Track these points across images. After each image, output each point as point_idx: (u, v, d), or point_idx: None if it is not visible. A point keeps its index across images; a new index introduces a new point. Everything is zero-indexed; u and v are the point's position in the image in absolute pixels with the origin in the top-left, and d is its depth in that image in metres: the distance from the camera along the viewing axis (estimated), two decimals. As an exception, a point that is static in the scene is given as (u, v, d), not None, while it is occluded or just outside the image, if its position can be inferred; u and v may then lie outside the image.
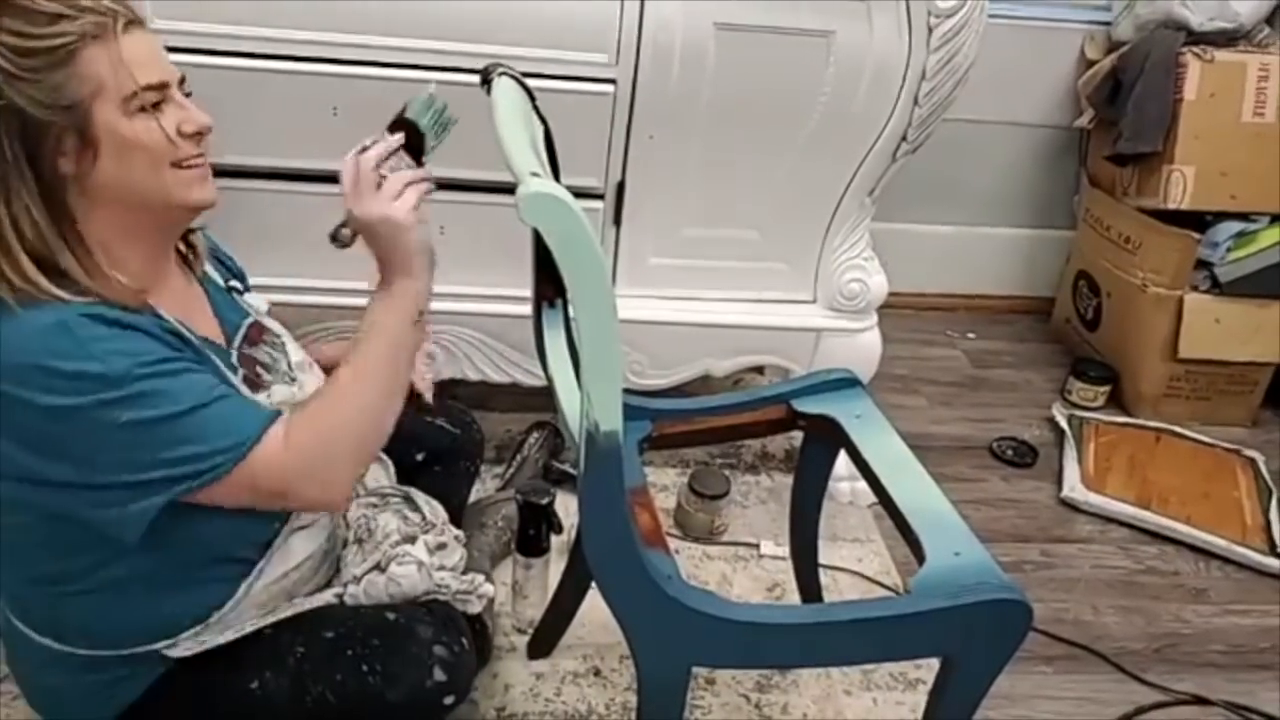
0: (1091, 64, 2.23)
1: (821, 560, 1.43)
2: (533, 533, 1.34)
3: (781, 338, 1.62)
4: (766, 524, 1.67)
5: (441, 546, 1.14)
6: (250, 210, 1.39)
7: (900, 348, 2.22)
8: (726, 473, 1.69)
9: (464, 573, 1.16)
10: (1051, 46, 2.28)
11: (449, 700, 1.01)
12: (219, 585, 1.00)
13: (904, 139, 1.47)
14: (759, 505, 1.73)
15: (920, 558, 1.00)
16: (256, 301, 1.15)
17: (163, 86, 0.90)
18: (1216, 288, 2.03)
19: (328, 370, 1.23)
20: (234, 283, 1.14)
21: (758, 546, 1.62)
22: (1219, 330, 2.04)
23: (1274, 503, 1.84)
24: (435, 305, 1.50)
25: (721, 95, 1.41)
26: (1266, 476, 1.92)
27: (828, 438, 1.22)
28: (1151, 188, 2.04)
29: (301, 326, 1.40)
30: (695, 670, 1.20)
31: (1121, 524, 1.78)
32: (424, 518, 1.18)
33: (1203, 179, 1.99)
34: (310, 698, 1.01)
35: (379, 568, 1.10)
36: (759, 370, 1.96)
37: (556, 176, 0.98)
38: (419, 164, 0.97)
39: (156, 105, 0.89)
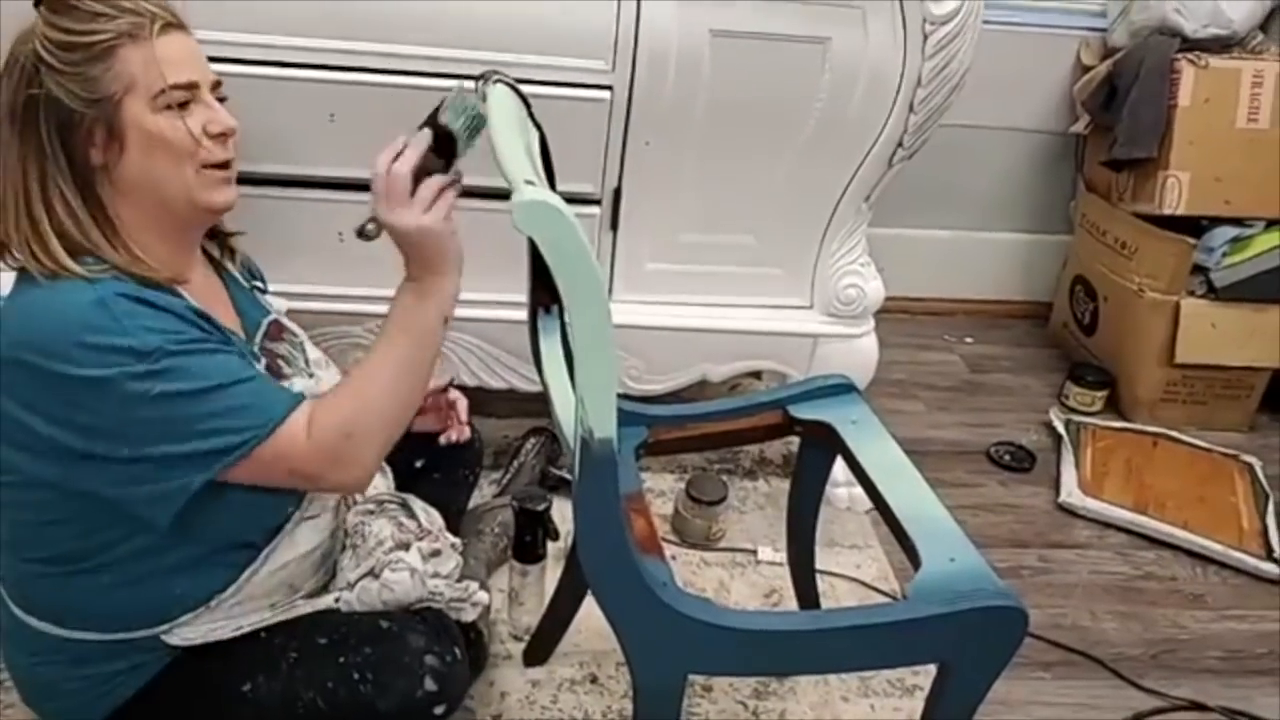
0: (1087, 70, 2.23)
1: (819, 566, 1.43)
2: (529, 539, 1.34)
3: (778, 343, 1.62)
4: (764, 530, 1.67)
5: (436, 553, 1.14)
6: (248, 216, 1.39)
7: (898, 352, 2.22)
8: (724, 478, 1.69)
9: (459, 580, 1.16)
10: (1047, 52, 2.29)
11: (440, 710, 1.02)
12: (225, 569, 1.01)
13: (900, 145, 1.47)
14: (756, 511, 1.72)
15: (916, 564, 1.00)
16: (276, 303, 1.18)
17: (191, 87, 0.94)
18: (1212, 293, 2.03)
19: None
20: (256, 284, 1.18)
21: (755, 552, 1.62)
22: (1215, 335, 2.04)
23: (1271, 507, 1.84)
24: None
25: (717, 101, 1.41)
26: (1263, 481, 1.92)
27: (824, 444, 1.22)
28: (1147, 193, 2.04)
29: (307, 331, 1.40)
30: (692, 677, 1.20)
31: (1119, 529, 1.78)
32: (419, 524, 1.18)
33: (1198, 184, 1.99)
34: (301, 704, 1.01)
35: (373, 574, 1.10)
36: (756, 375, 1.96)
37: (552, 183, 0.98)
38: (449, 166, 0.97)
39: (184, 105, 0.93)
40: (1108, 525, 1.79)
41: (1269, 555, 1.72)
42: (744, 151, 1.47)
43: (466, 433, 1.29)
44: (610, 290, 1.58)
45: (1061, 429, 2.02)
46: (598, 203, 1.50)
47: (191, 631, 1.01)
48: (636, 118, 1.42)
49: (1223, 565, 1.71)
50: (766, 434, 1.27)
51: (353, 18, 1.32)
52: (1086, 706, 1.42)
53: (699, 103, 1.41)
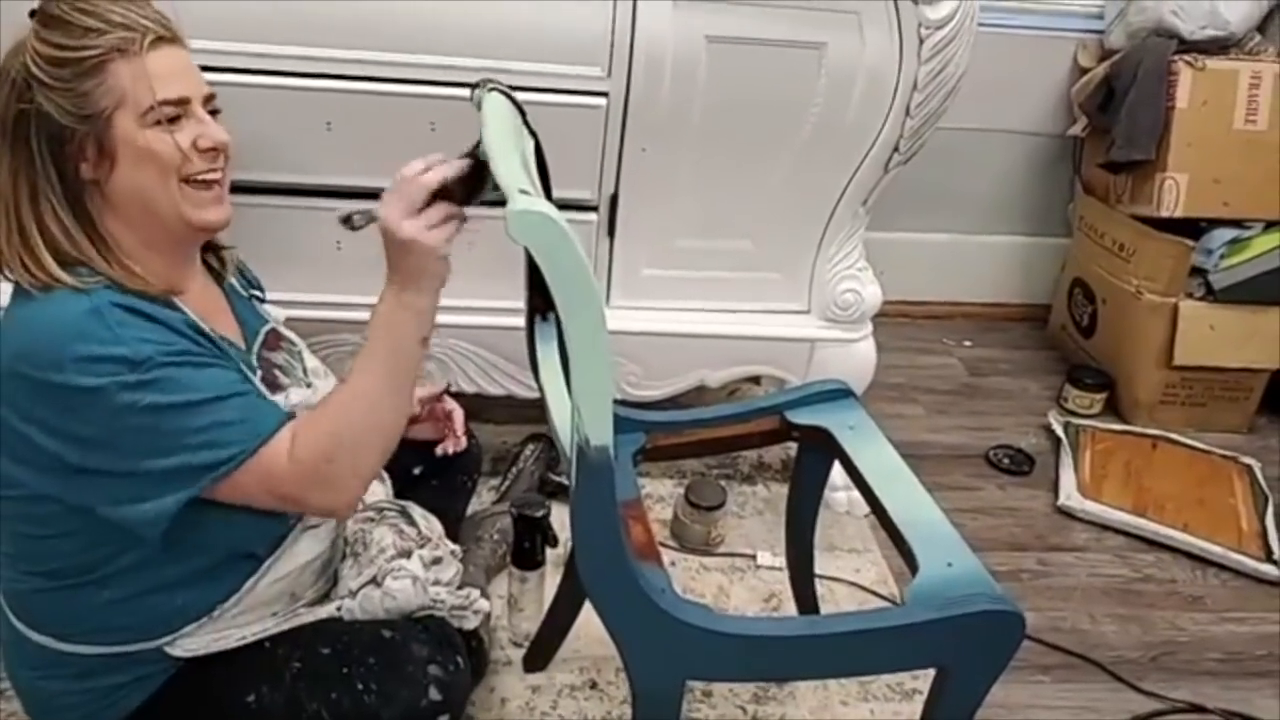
0: (1085, 72, 2.24)
1: (818, 570, 1.43)
2: (528, 546, 1.34)
3: (776, 348, 1.63)
4: (763, 534, 1.67)
5: (437, 561, 1.15)
6: (245, 224, 1.40)
7: (896, 356, 2.22)
8: (723, 483, 1.69)
9: (460, 587, 1.16)
10: (1045, 55, 2.29)
11: (443, 719, 1.02)
12: (228, 580, 1.01)
13: (896, 150, 1.47)
14: (755, 516, 1.73)
15: (913, 569, 1.00)
16: (274, 312, 1.18)
17: (182, 102, 0.93)
18: (1211, 294, 2.03)
19: None
20: (254, 292, 1.18)
21: (754, 557, 1.62)
22: (1214, 337, 2.04)
23: (1270, 509, 1.84)
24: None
25: (714, 107, 1.42)
26: (1262, 483, 1.92)
27: (822, 449, 1.22)
28: (1145, 195, 2.05)
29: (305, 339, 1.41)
30: (691, 682, 1.20)
31: (1118, 531, 1.78)
32: (420, 532, 1.18)
33: (1196, 186, 1.99)
34: (305, 714, 1.01)
35: (374, 582, 1.11)
36: (755, 380, 1.97)
37: (547, 190, 0.98)
38: (466, 202, 0.94)
39: (175, 119, 0.92)
40: (1107, 528, 1.79)
41: (1268, 557, 1.72)
42: (740, 157, 1.47)
43: (463, 444, 1.29)
44: (608, 296, 1.58)
45: (1060, 432, 2.02)
46: (595, 209, 1.50)
47: (194, 642, 1.02)
48: (633, 124, 1.42)
49: (1222, 567, 1.71)
50: (764, 439, 1.27)
51: (349, 26, 1.33)
52: (1086, 710, 1.41)
53: (695, 109, 1.42)
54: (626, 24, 1.35)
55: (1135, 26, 2.10)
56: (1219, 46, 2.03)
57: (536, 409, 1.14)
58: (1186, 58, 1.98)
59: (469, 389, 1.61)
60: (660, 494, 1.74)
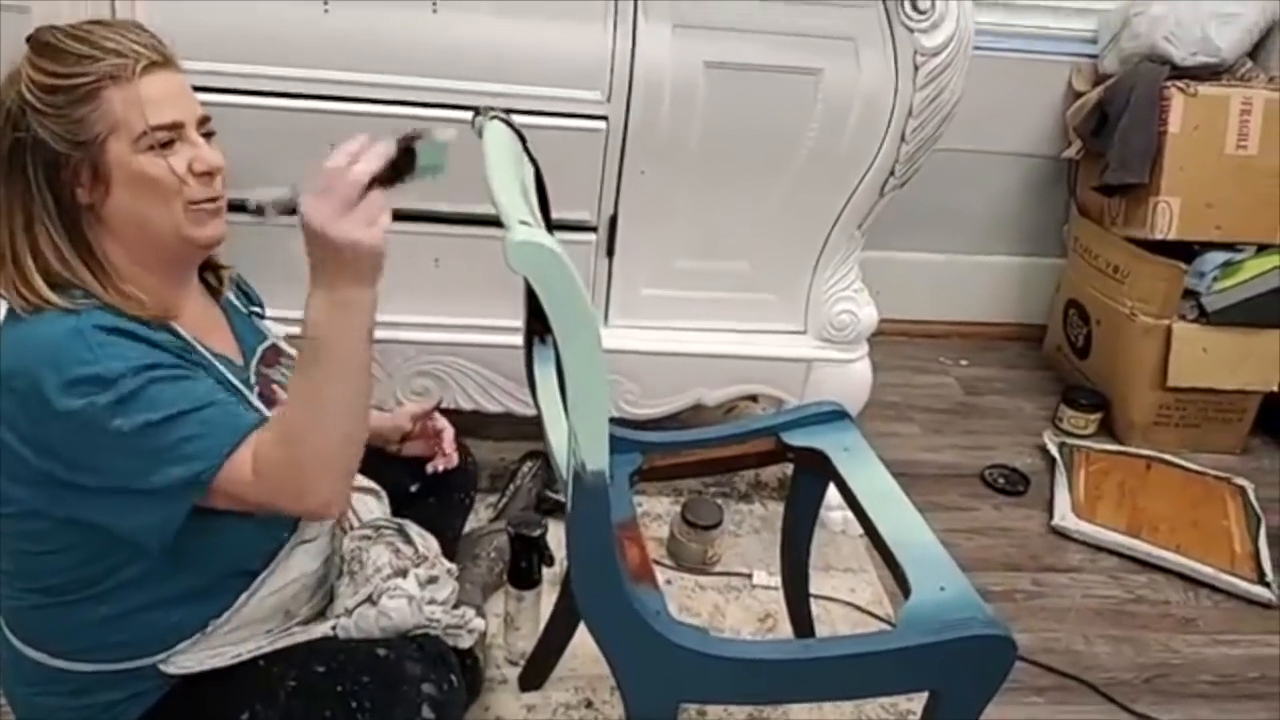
0: (1079, 95, 2.26)
1: (813, 590, 1.44)
2: (525, 565, 1.35)
3: (773, 368, 1.64)
4: (759, 553, 1.68)
5: (433, 580, 1.15)
6: (246, 243, 1.41)
7: (893, 375, 2.23)
8: (719, 501, 1.70)
9: (455, 606, 1.17)
10: (1040, 78, 2.31)
11: (438, 737, 1.02)
12: (222, 596, 1.02)
13: (892, 174, 1.49)
14: (752, 534, 1.73)
15: (906, 592, 1.01)
16: (275, 328, 1.19)
17: (175, 126, 0.94)
18: (1204, 317, 2.05)
19: None
20: (254, 309, 1.19)
21: (750, 576, 1.62)
22: (1207, 359, 2.06)
23: (1263, 531, 1.85)
24: (431, 336, 1.56)
25: (712, 131, 1.44)
26: (1255, 505, 1.93)
27: (817, 470, 1.23)
28: (1139, 218, 2.07)
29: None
30: (686, 704, 1.21)
31: (1112, 552, 1.79)
32: (416, 550, 1.18)
33: (1188, 210, 2.01)
34: (300, 733, 1.01)
35: (370, 600, 1.11)
36: (752, 398, 1.98)
37: (547, 217, 1.00)
38: (395, 184, 0.88)
39: (169, 144, 0.93)
40: (1101, 548, 1.80)
41: (1260, 579, 1.73)
42: (738, 180, 1.49)
43: (454, 461, 1.29)
44: (606, 315, 1.60)
45: (1055, 452, 2.03)
46: (594, 230, 1.52)
47: (189, 660, 1.02)
48: (632, 147, 1.44)
49: (1215, 589, 1.72)
50: (760, 460, 1.29)
51: (351, 49, 1.34)
52: (1079, 731, 1.42)
53: (693, 133, 1.44)
54: (626, 50, 1.37)
55: (1128, 52, 2.12)
56: (1211, 73, 2.06)
57: (534, 426, 1.15)
58: (1179, 83, 2.01)
59: (467, 406, 1.62)
60: (657, 511, 1.75)
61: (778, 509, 1.64)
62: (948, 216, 2.43)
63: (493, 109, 0.97)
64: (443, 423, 1.33)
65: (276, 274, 1.37)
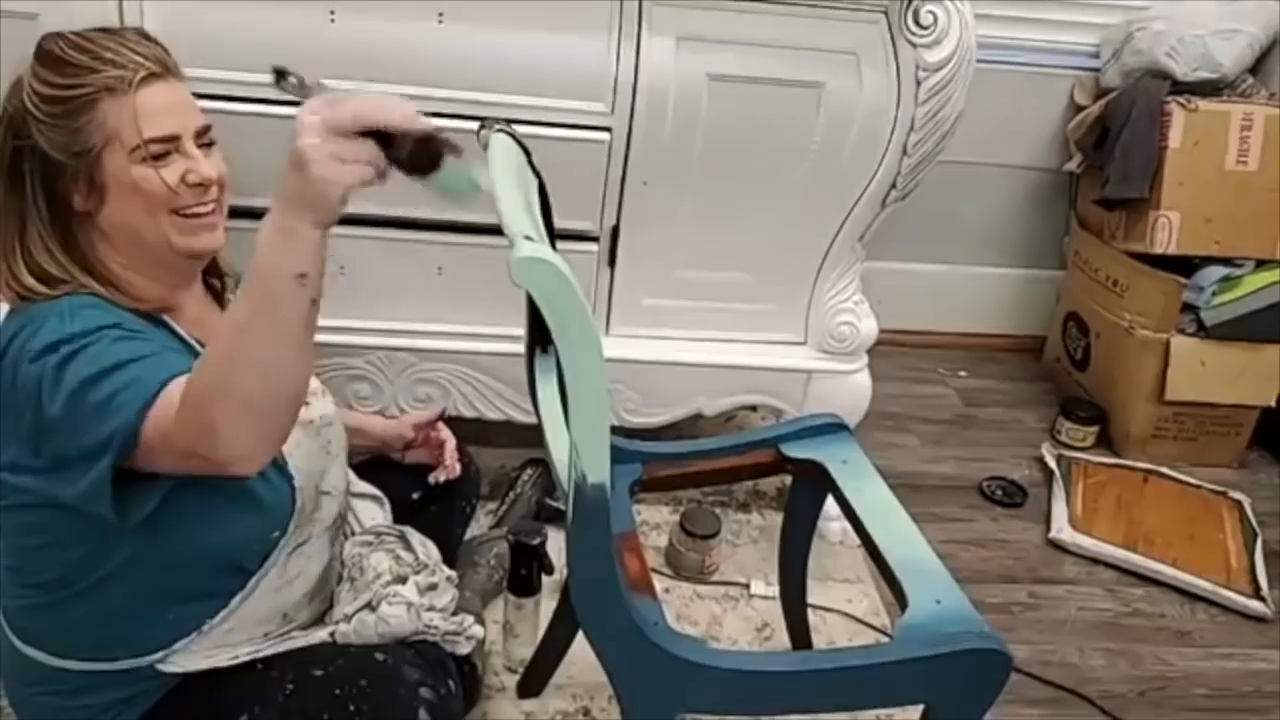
0: (1080, 109, 2.27)
1: (811, 600, 1.45)
2: (524, 573, 1.36)
3: (773, 378, 1.65)
4: (757, 563, 1.68)
5: (432, 587, 1.16)
6: (251, 249, 1.42)
7: (893, 385, 2.24)
8: (718, 511, 1.70)
9: (454, 613, 1.18)
10: (1042, 91, 2.32)
11: (435, 743, 1.03)
12: (217, 595, 1.03)
13: (893, 187, 1.50)
14: (750, 544, 1.74)
15: (903, 605, 1.02)
16: None
17: (170, 139, 0.95)
18: (1202, 331, 2.06)
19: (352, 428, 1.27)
20: None
21: (748, 586, 1.63)
22: (1205, 373, 2.07)
23: (1259, 545, 1.86)
24: (433, 344, 1.57)
25: (714, 143, 1.45)
26: (1252, 519, 1.94)
27: (816, 482, 1.24)
28: (1138, 232, 2.08)
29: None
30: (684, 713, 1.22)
31: (1108, 565, 1.80)
32: (416, 558, 1.19)
33: (1188, 224, 2.02)
34: (298, 735, 1.02)
35: (369, 607, 1.12)
36: (752, 408, 1.98)
37: (550, 231, 1.01)
38: (406, 166, 0.79)
39: (163, 156, 0.94)
40: (1097, 561, 1.81)
41: (1256, 593, 1.74)
42: (740, 192, 1.50)
43: (456, 471, 1.31)
44: (607, 325, 1.61)
45: (1053, 464, 2.04)
46: (596, 239, 1.53)
47: (186, 659, 1.03)
48: (635, 158, 1.45)
49: (1211, 603, 1.73)
50: (759, 472, 1.30)
51: (357, 58, 1.35)
52: (1074, 744, 1.43)
53: (696, 145, 1.45)
54: (630, 62, 1.38)
55: (1130, 66, 2.14)
56: (1212, 88, 2.07)
57: (535, 433, 1.15)
58: (1179, 99, 2.02)
59: (468, 414, 1.62)
60: (656, 521, 1.76)
61: (776, 519, 1.65)
62: (949, 227, 2.44)
63: (497, 122, 0.98)
64: (446, 433, 1.34)
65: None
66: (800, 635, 1.43)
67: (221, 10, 1.31)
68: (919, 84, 1.42)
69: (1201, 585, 1.74)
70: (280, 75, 0.81)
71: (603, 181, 1.47)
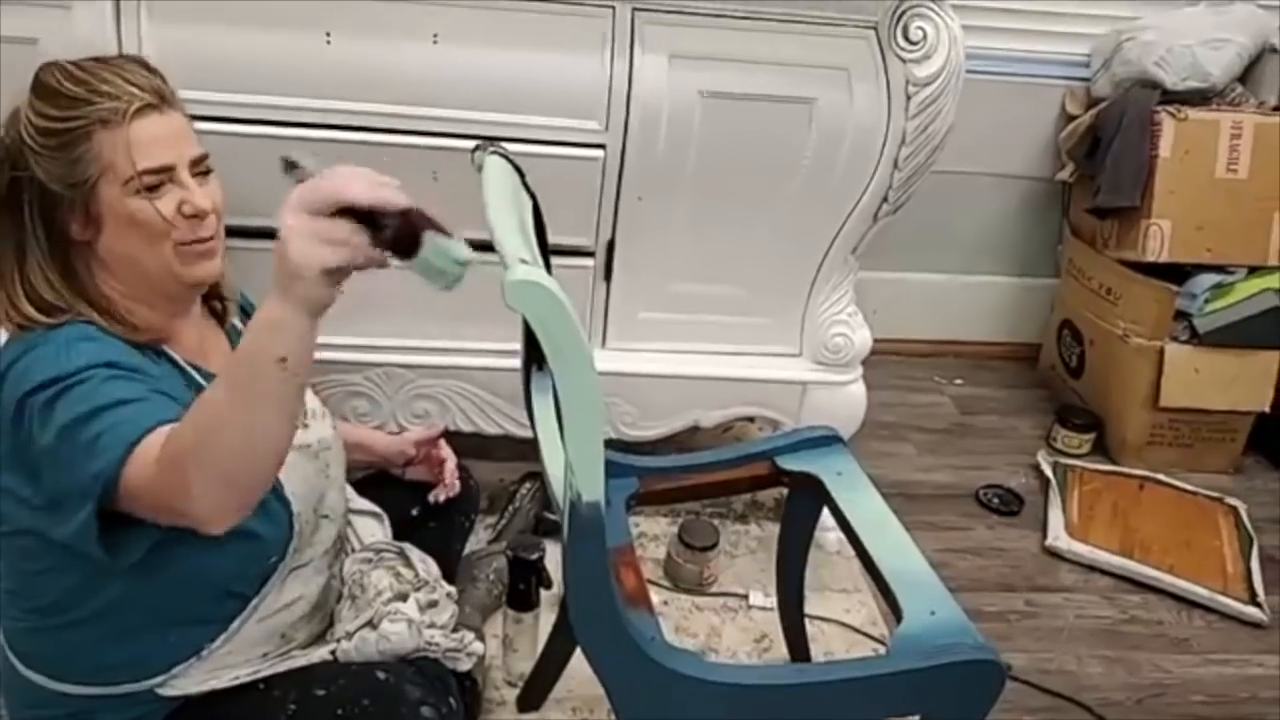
0: (1072, 119, 2.29)
1: (809, 611, 1.46)
2: (523, 588, 1.36)
3: (768, 390, 1.66)
4: (755, 574, 1.69)
5: (433, 604, 1.17)
6: (252, 267, 1.43)
7: (888, 394, 2.25)
8: (716, 522, 1.71)
9: (455, 629, 1.18)
10: (1033, 101, 2.34)
11: (437, 759, 1.03)
12: (215, 620, 1.03)
13: (885, 200, 1.51)
14: (748, 555, 1.75)
15: (898, 616, 1.03)
16: None
17: (164, 170, 0.96)
18: (1196, 338, 2.07)
19: (354, 444, 1.29)
20: None
21: (746, 597, 1.64)
22: (1199, 380, 2.08)
23: (1255, 551, 1.87)
24: (430, 359, 1.58)
25: (707, 159, 1.46)
26: (1248, 525, 1.95)
27: (811, 494, 1.25)
28: (1131, 240, 2.09)
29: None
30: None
31: (1105, 573, 1.81)
32: (417, 574, 1.20)
33: (1180, 232, 2.04)
34: (301, 755, 1.03)
35: (371, 624, 1.13)
36: (750, 418, 1.99)
37: (545, 251, 1.02)
38: (391, 247, 0.78)
39: (157, 187, 0.95)
40: (1094, 569, 1.81)
41: (1252, 599, 1.74)
42: (733, 206, 1.51)
43: (455, 490, 1.32)
44: (604, 338, 1.62)
45: (1049, 472, 2.05)
46: (592, 254, 1.54)
47: (187, 683, 1.03)
48: (629, 174, 1.46)
49: (1208, 609, 1.73)
50: (755, 485, 1.31)
51: (353, 80, 1.37)
52: (1072, 753, 1.44)
53: (689, 160, 1.46)
54: (624, 80, 1.40)
55: (1120, 76, 2.15)
56: (1201, 97, 2.09)
57: (532, 447, 1.17)
58: (1169, 108, 2.04)
59: (466, 428, 1.63)
60: (654, 532, 1.77)
61: (774, 529, 1.65)
62: (943, 237, 2.45)
63: (491, 144, 0.99)
64: (446, 452, 1.35)
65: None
66: (798, 646, 1.44)
67: (219, 33, 1.33)
68: (909, 99, 1.43)
69: (1198, 592, 1.75)
70: (290, 166, 0.82)
71: (598, 197, 1.48)
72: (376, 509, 1.32)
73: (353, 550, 1.24)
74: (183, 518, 0.85)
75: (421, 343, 1.56)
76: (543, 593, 1.40)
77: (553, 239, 1.09)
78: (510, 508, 1.70)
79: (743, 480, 1.28)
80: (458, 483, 1.34)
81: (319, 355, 1.52)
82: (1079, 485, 2.02)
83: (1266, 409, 2.11)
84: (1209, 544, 1.88)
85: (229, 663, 1.05)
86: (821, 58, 1.42)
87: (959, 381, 2.46)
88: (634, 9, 1.38)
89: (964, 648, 0.98)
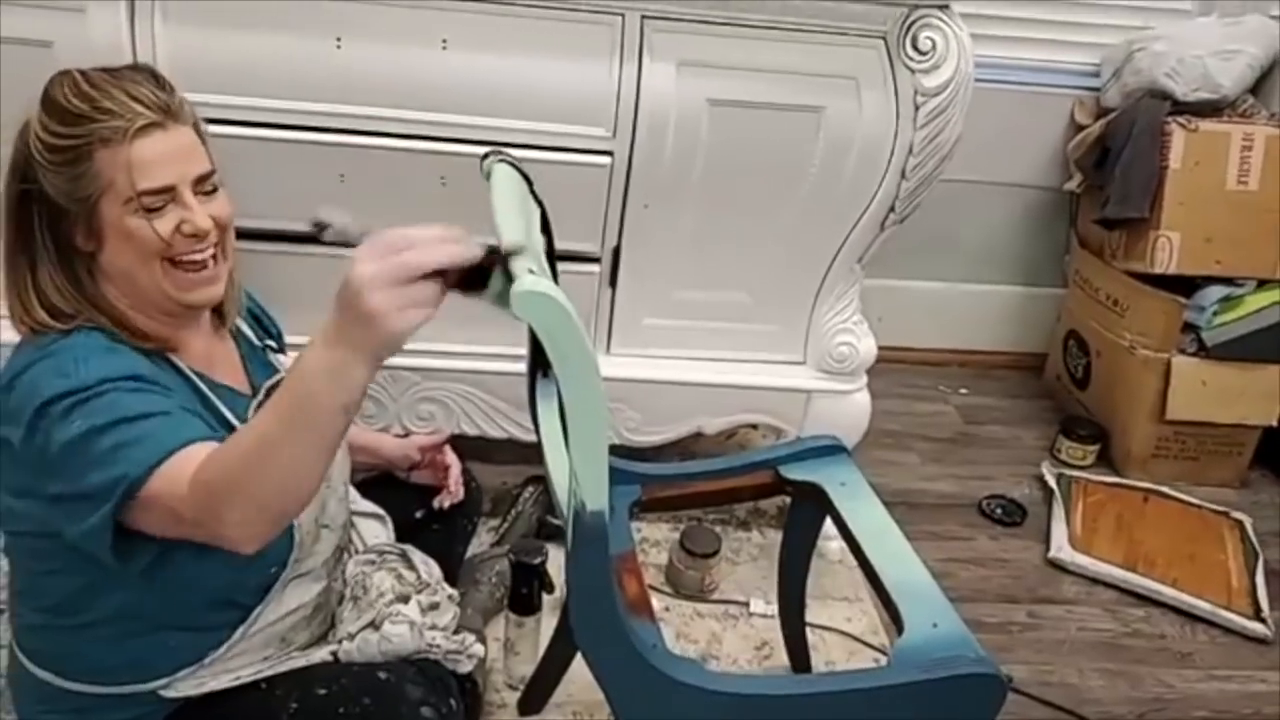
0: (1081, 129, 2.28)
1: (810, 619, 1.46)
2: (525, 592, 1.37)
3: (772, 398, 1.66)
4: (757, 581, 1.69)
5: (434, 606, 1.17)
6: (261, 271, 1.44)
7: (893, 402, 2.25)
8: (718, 529, 1.71)
9: (456, 631, 1.19)
10: (1043, 110, 2.34)
11: (437, 760, 1.04)
12: (217, 628, 1.04)
13: (892, 210, 1.51)
14: (750, 562, 1.75)
15: (900, 628, 1.03)
16: (288, 363, 1.19)
17: (165, 191, 0.95)
18: (1203, 351, 2.07)
19: (361, 446, 1.30)
20: (269, 342, 1.21)
21: (748, 604, 1.64)
22: (1206, 393, 2.07)
23: (1260, 566, 1.86)
24: (435, 363, 1.59)
25: (714, 167, 1.46)
26: (1253, 539, 1.94)
27: (814, 504, 1.25)
28: (1139, 252, 2.09)
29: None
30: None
31: (1108, 585, 1.80)
32: (419, 576, 1.21)
33: (1188, 244, 2.03)
34: (301, 754, 1.03)
35: (372, 625, 1.13)
36: (754, 425, 1.99)
37: (551, 258, 1.02)
38: (459, 288, 0.79)
39: (159, 208, 0.95)
40: (1097, 581, 1.81)
41: (1257, 614, 1.74)
42: (740, 214, 1.52)
43: (459, 495, 1.32)
44: (608, 344, 1.62)
45: (1053, 483, 2.04)
46: (598, 260, 1.54)
47: (189, 685, 1.05)
48: (636, 182, 1.47)
49: (1211, 624, 1.73)
50: (757, 493, 1.31)
51: (362, 84, 1.37)
52: (1072, 766, 1.43)
53: (697, 168, 1.46)
54: (632, 87, 1.40)
55: (1130, 87, 2.15)
56: (1212, 108, 2.08)
57: (536, 451, 1.17)
58: (1180, 119, 2.03)
59: (471, 431, 1.64)
60: (656, 538, 1.77)
61: (776, 537, 1.66)
62: (950, 245, 2.45)
63: (500, 152, 0.99)
64: (451, 458, 1.36)
65: (292, 301, 1.41)
66: (799, 654, 1.44)
67: (231, 38, 1.33)
68: (917, 108, 1.43)
69: (1202, 606, 1.74)
70: (321, 228, 0.82)
71: (604, 204, 1.48)
72: (380, 511, 1.33)
73: (356, 552, 1.25)
74: (210, 537, 0.87)
75: (426, 345, 1.56)
76: (545, 597, 1.40)
77: (559, 245, 1.09)
78: (513, 511, 1.70)
79: (746, 489, 1.28)
80: (461, 489, 1.34)
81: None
82: (1083, 497, 2.02)
83: (1274, 423, 2.11)
84: (1213, 558, 1.88)
85: (231, 666, 1.06)
86: (830, 67, 1.42)
87: (964, 391, 2.46)
88: (643, 16, 1.38)
89: (965, 660, 0.98)
